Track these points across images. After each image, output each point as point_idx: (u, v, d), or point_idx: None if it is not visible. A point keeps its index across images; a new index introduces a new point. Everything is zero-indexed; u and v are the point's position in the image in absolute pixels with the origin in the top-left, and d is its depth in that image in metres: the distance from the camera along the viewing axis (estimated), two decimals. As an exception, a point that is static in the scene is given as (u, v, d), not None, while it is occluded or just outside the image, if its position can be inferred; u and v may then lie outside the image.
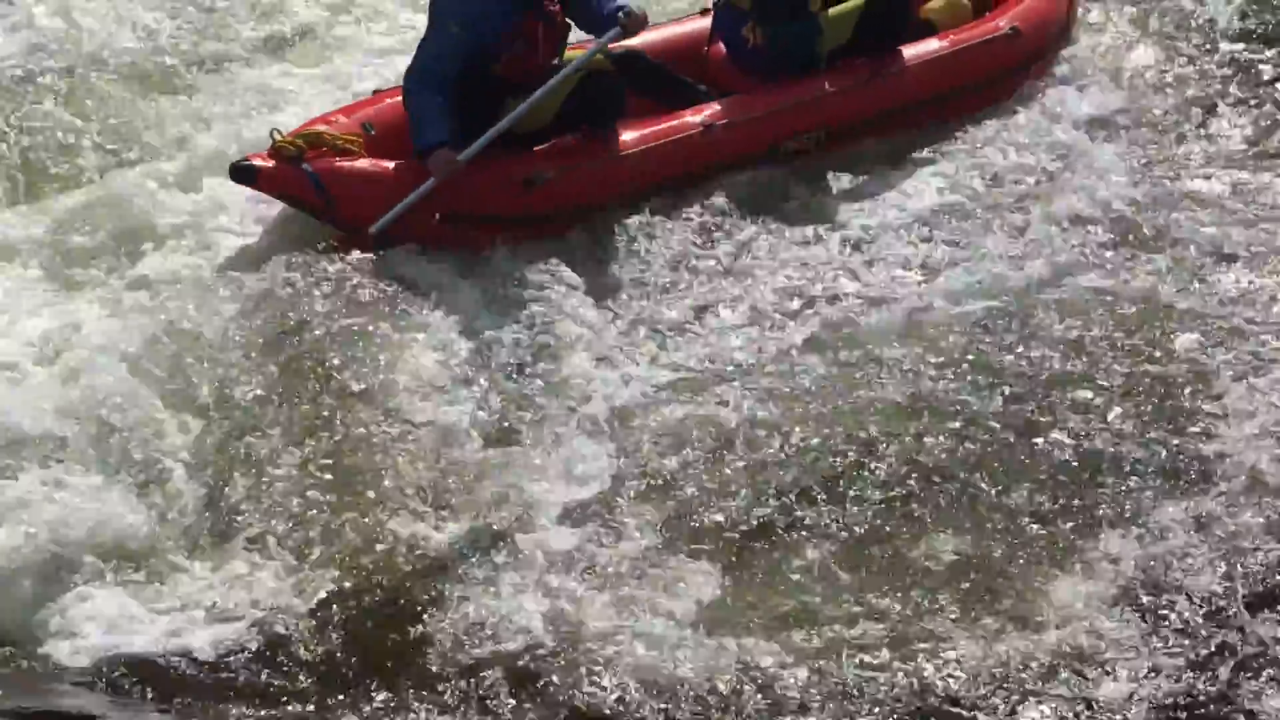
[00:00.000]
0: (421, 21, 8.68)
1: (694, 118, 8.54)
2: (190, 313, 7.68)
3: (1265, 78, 9.71)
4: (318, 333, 7.53)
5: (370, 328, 7.59)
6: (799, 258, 8.29)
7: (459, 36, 8.06)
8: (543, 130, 8.33)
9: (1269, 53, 9.91)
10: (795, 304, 7.96)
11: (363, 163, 8.16)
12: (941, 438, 6.93)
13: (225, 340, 7.52)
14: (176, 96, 9.93)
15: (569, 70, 8.20)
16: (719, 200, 8.54)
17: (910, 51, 9.08)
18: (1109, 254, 8.24)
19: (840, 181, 8.82)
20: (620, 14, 8.20)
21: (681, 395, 7.38)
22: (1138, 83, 9.74)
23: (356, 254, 7.99)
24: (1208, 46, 10.01)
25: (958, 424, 7.00)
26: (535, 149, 8.32)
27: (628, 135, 8.43)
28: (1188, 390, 7.17)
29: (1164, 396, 7.15)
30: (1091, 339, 7.53)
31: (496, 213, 8.11)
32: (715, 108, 8.62)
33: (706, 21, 9.37)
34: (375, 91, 8.97)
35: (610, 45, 8.45)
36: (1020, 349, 7.50)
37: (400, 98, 8.34)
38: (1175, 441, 6.88)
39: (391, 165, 8.19)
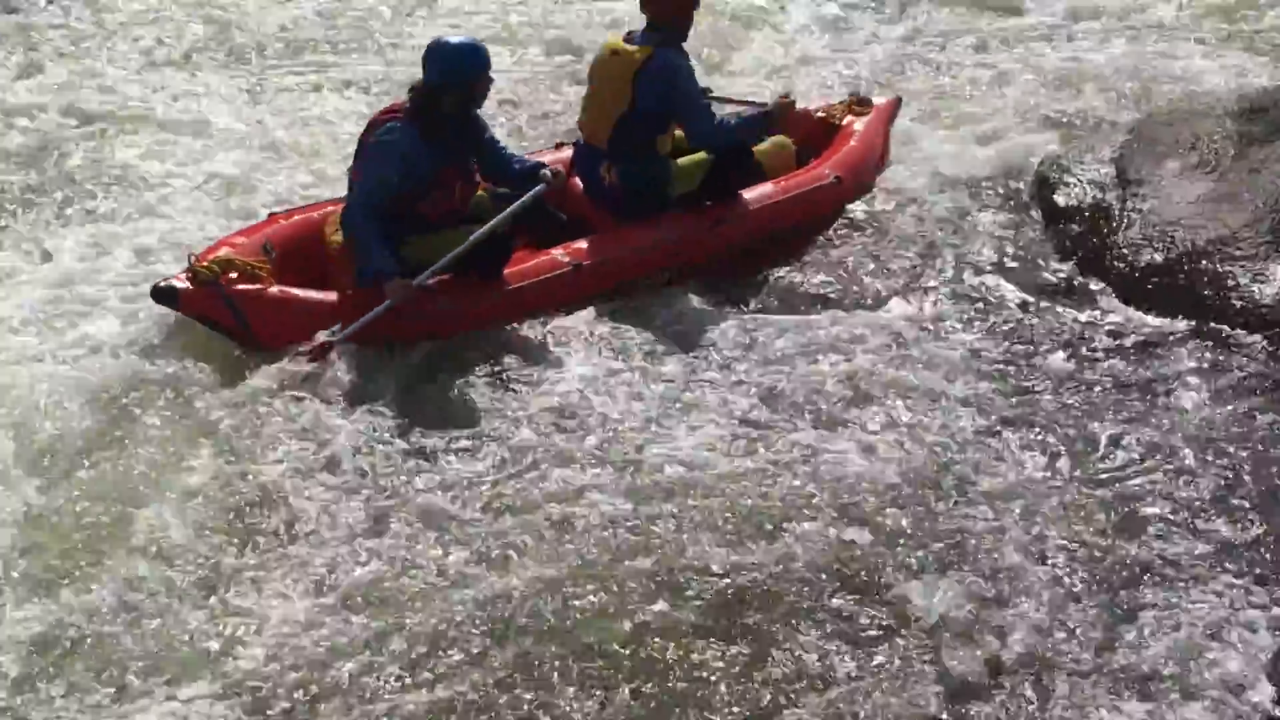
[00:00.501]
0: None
1: (562, 257, 9.23)
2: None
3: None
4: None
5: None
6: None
7: (392, 181, 8.72)
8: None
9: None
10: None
11: (275, 289, 8.68)
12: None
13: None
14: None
15: (505, 216, 8.94)
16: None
17: (749, 195, 9.89)
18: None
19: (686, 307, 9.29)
20: (546, 171, 9.15)
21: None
22: (935, 219, 10.29)
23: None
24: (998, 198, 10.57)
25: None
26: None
27: (507, 273, 9.14)
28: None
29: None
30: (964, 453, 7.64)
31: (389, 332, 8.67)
32: (580, 246, 9.31)
33: (566, 153, 10.07)
34: (270, 214, 9.61)
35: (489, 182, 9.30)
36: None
37: (284, 219, 9.37)
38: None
39: (300, 291, 8.75)
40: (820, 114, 10.85)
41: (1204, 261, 8.91)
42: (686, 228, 9.65)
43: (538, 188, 9.05)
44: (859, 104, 10.89)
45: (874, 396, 8.01)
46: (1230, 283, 8.73)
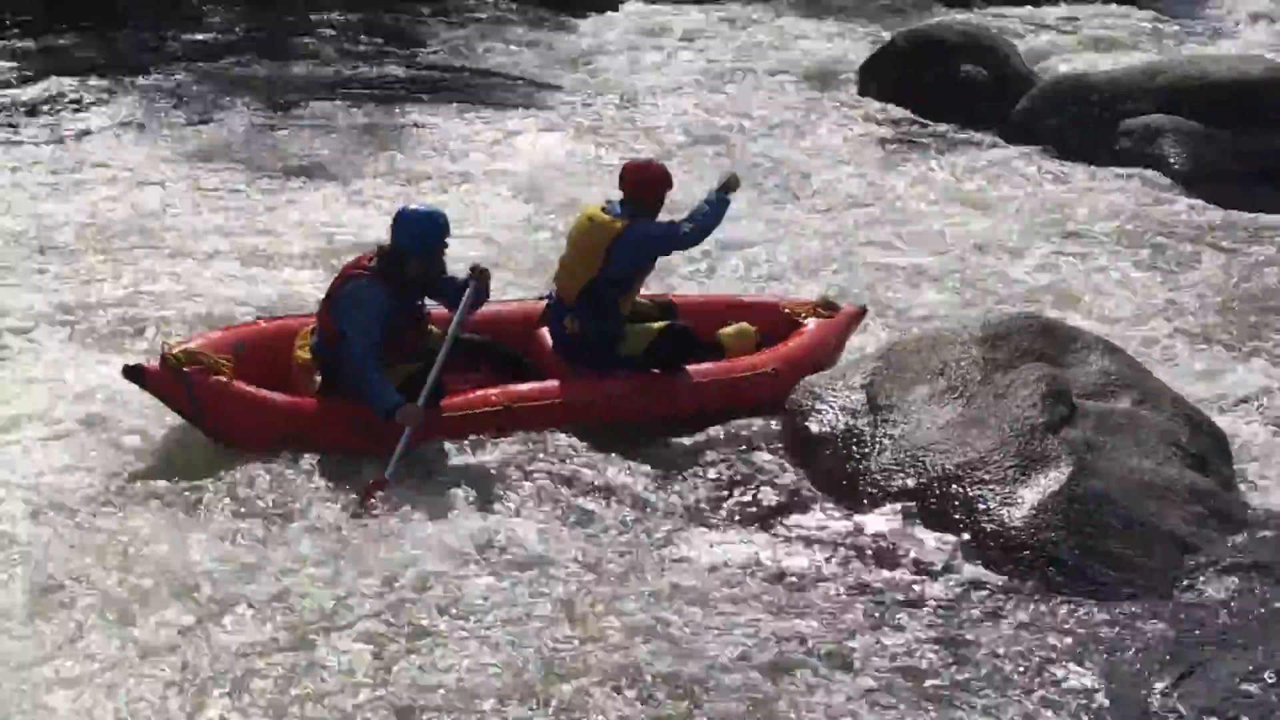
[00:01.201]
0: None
1: (494, 396, 10.24)
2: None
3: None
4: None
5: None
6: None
7: (377, 334, 9.76)
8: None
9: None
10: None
11: (235, 385, 9.74)
12: None
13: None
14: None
15: (455, 324, 10.04)
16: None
17: (692, 369, 10.74)
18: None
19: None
20: (470, 277, 10.19)
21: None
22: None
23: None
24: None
25: None
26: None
27: (456, 401, 10.14)
28: None
29: None
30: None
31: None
32: (515, 389, 10.31)
33: (541, 305, 11.15)
34: (256, 319, 10.95)
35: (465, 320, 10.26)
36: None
37: (269, 326, 10.59)
38: None
39: (257, 391, 9.82)
40: (787, 310, 11.60)
41: (954, 486, 9.03)
42: (624, 389, 10.53)
43: (469, 291, 10.12)
44: (824, 307, 11.62)
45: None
46: (981, 507, 8.85)
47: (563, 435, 10.01)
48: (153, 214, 14.43)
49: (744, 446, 10.17)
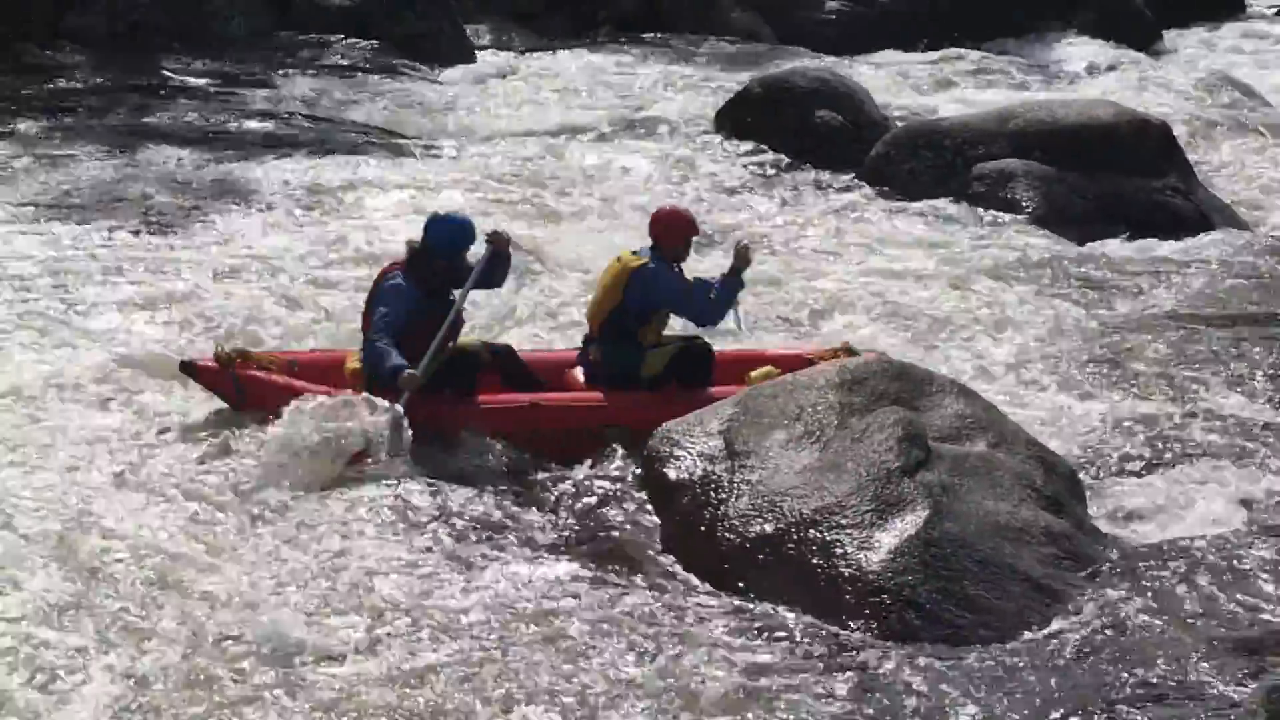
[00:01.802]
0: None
1: (532, 402, 11.11)
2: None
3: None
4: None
5: None
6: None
7: (401, 321, 10.72)
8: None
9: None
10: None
11: (275, 376, 10.97)
12: None
13: None
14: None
15: (471, 281, 11.10)
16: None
17: (716, 390, 11.20)
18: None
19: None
20: (487, 241, 11.20)
21: None
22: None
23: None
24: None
25: None
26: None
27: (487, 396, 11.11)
28: None
29: None
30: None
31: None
32: (543, 395, 11.23)
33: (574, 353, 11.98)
34: (312, 350, 12.09)
35: (491, 342, 11.67)
36: None
37: (323, 355, 11.67)
38: None
39: (292, 381, 10.90)
40: (810, 357, 11.81)
41: (812, 530, 9.00)
42: (645, 399, 11.27)
43: (485, 253, 11.18)
44: (846, 353, 11.75)
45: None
46: (838, 551, 8.82)
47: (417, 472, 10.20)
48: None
49: (603, 492, 10.14)
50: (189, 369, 11.14)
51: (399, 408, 10.37)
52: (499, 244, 11.24)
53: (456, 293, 11.10)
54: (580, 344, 11.90)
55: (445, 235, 11.01)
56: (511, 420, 10.93)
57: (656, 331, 11.69)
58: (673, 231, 11.64)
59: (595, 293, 11.85)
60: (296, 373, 11.05)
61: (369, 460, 10.09)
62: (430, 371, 10.64)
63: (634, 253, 11.64)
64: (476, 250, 11.25)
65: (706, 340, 11.80)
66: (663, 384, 11.48)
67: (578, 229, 16.24)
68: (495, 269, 11.28)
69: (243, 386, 10.95)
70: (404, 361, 10.47)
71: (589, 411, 11.21)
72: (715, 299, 11.59)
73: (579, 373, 11.70)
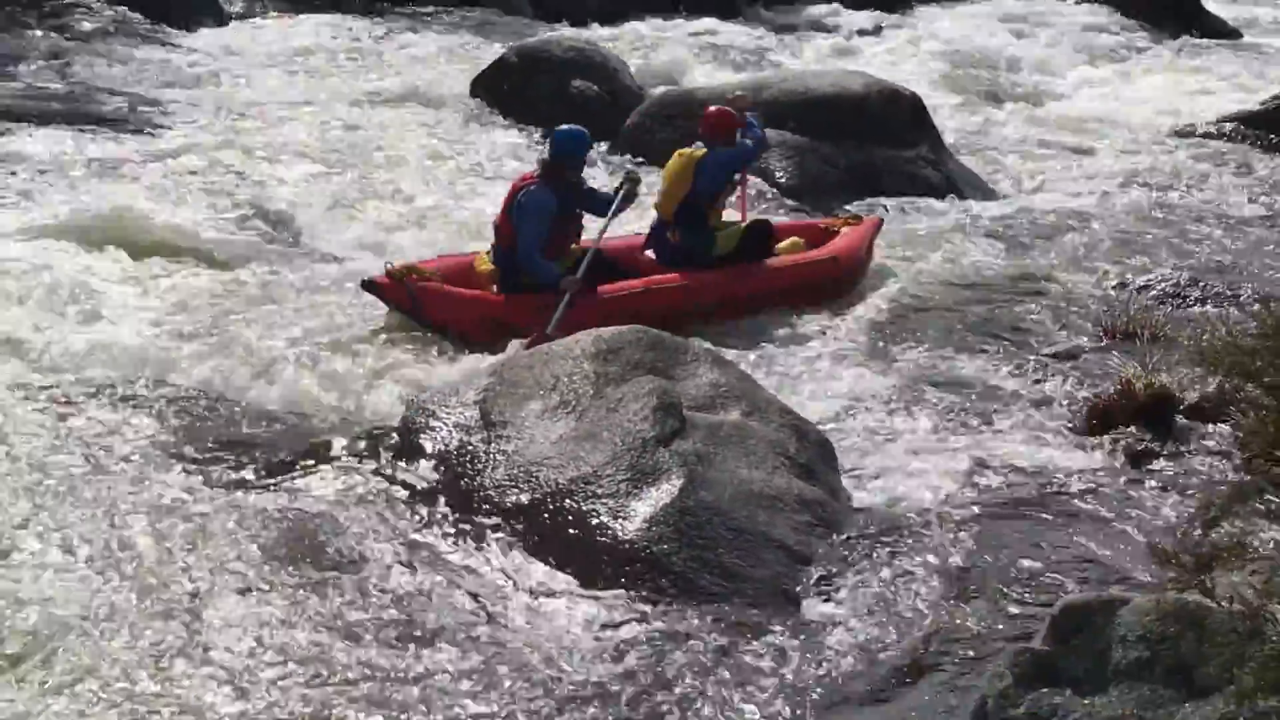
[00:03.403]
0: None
1: (646, 286, 13.21)
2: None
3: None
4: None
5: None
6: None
7: (546, 229, 12.73)
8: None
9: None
10: None
11: (444, 285, 12.79)
12: None
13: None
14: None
15: (606, 222, 13.25)
16: None
17: (774, 262, 13.94)
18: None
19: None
20: (624, 181, 13.43)
21: None
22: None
23: None
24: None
25: None
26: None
27: (609, 291, 12.96)
28: None
29: None
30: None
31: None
32: (663, 282, 13.33)
33: (640, 238, 14.21)
34: (439, 255, 13.92)
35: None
36: None
37: (454, 259, 13.55)
38: None
39: (455, 289, 12.84)
40: (824, 225, 14.94)
41: (568, 500, 9.03)
42: (729, 275, 13.56)
43: (623, 188, 13.29)
44: (852, 219, 15.17)
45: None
46: (594, 520, 8.86)
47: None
48: None
49: (359, 460, 10.02)
50: (371, 287, 12.65)
51: (564, 303, 12.44)
52: (634, 184, 13.39)
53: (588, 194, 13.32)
54: (649, 231, 14.05)
55: (571, 145, 13.04)
56: (633, 305, 12.52)
57: (719, 214, 14.00)
58: (721, 126, 13.95)
59: (663, 185, 13.91)
60: (447, 279, 12.85)
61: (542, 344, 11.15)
62: (585, 271, 12.69)
63: (690, 147, 13.87)
64: (599, 191, 13.62)
65: (765, 219, 14.59)
66: (731, 261, 13.67)
67: (333, 196, 16.13)
68: (629, 199, 13.32)
69: (416, 296, 12.54)
70: (559, 272, 12.68)
71: (693, 290, 13.21)
72: (756, 140, 14.27)
73: (650, 255, 13.93)
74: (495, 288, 13.02)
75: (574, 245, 13.14)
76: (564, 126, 13.30)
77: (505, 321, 12.47)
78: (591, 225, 13.33)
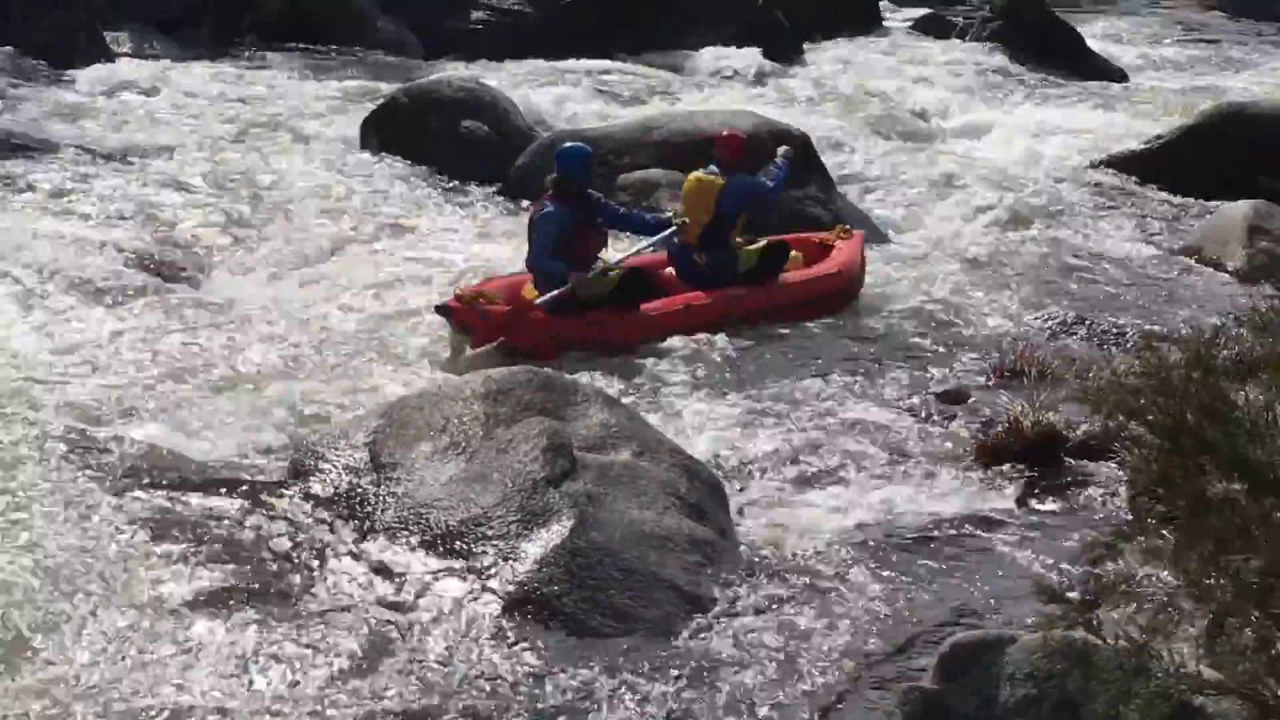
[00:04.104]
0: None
1: (685, 304, 14.11)
2: None
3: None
4: None
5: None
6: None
7: (554, 237, 13.42)
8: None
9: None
10: None
11: (507, 309, 13.25)
12: None
13: None
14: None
15: (646, 244, 14.74)
16: None
17: (789, 278, 14.89)
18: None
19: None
20: (673, 218, 14.73)
21: None
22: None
23: None
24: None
25: None
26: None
27: (650, 308, 13.94)
28: None
29: None
30: None
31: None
32: (699, 299, 14.15)
33: (663, 257, 15.01)
34: (487, 278, 14.53)
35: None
36: None
37: (505, 280, 14.13)
38: None
39: (519, 313, 13.30)
40: (818, 240, 15.78)
41: (459, 542, 9.01)
42: (751, 293, 14.44)
43: (670, 229, 14.64)
44: (844, 232, 15.90)
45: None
46: (485, 562, 8.85)
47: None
48: None
49: (245, 505, 9.90)
50: (444, 311, 13.22)
51: (560, 290, 13.41)
52: (679, 227, 14.56)
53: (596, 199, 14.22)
54: (669, 253, 14.79)
55: (568, 161, 13.89)
56: (676, 321, 13.74)
57: (740, 233, 14.72)
58: (739, 150, 14.83)
59: (685, 210, 14.67)
60: (509, 302, 13.39)
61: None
62: (612, 280, 13.91)
63: (707, 171, 14.68)
64: (611, 203, 14.70)
65: (781, 240, 15.20)
66: (751, 277, 14.53)
67: (222, 236, 16.01)
68: (675, 235, 14.60)
69: (489, 317, 13.01)
70: (564, 269, 13.40)
71: (725, 307, 14.08)
72: (777, 179, 15.05)
73: (670, 272, 14.78)
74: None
75: (599, 254, 13.97)
76: (565, 145, 14.60)
77: (564, 339, 13.30)
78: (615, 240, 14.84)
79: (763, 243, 14.93)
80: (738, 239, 14.73)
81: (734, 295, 14.31)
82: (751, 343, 13.82)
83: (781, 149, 15.63)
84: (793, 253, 15.23)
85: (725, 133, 15.37)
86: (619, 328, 13.58)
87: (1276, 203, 17.46)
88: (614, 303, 13.82)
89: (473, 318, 13.09)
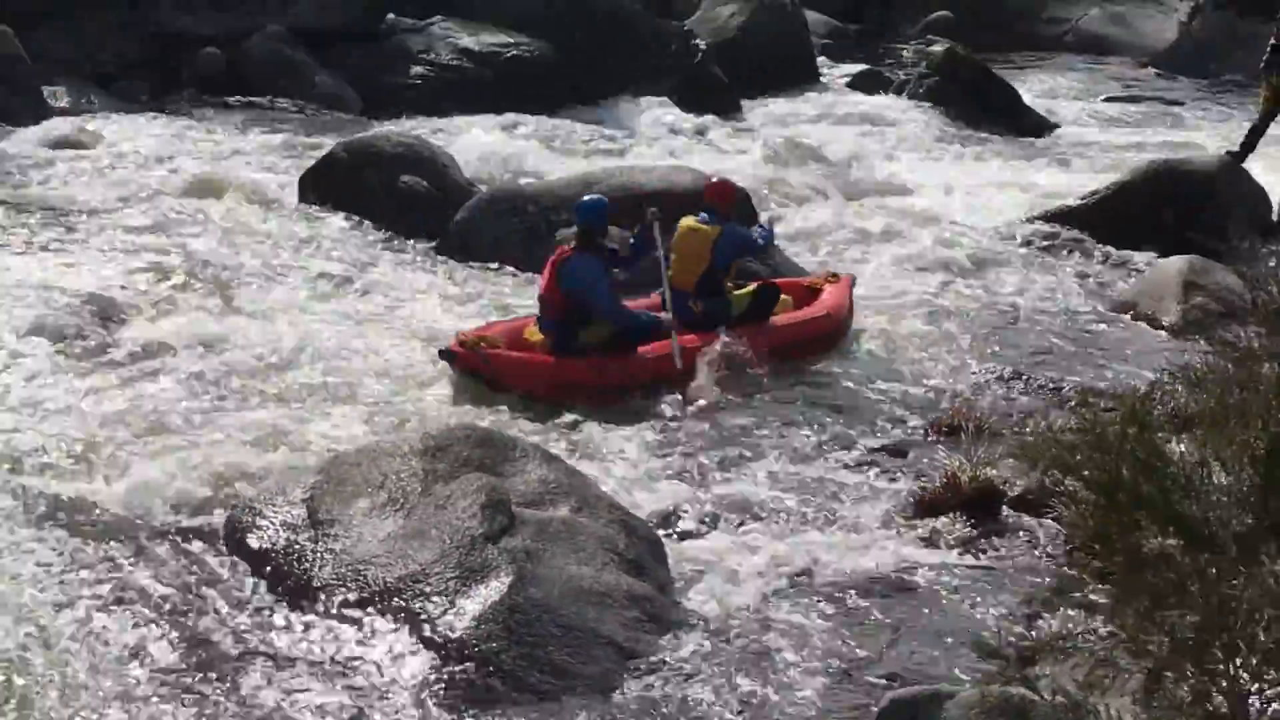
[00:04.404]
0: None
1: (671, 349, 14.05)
2: None
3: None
4: None
5: None
6: None
7: (610, 283, 14.07)
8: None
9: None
10: None
11: (510, 354, 13.69)
12: None
13: None
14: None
15: (652, 252, 14.77)
16: None
17: (778, 320, 15.13)
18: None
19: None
20: (649, 213, 14.88)
21: None
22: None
23: None
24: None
25: None
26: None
27: (647, 351, 14.10)
28: None
29: None
30: None
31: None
32: (690, 343, 14.15)
33: (657, 299, 14.94)
34: (490, 322, 14.89)
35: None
36: None
37: (506, 325, 14.53)
38: None
39: (517, 354, 13.77)
40: (807, 284, 16.22)
41: (396, 599, 9.01)
42: (742, 336, 14.45)
43: (650, 219, 14.75)
44: (832, 277, 16.35)
45: None
46: (423, 619, 8.87)
47: None
48: None
49: (182, 562, 9.86)
50: (448, 355, 13.46)
51: (674, 340, 13.94)
52: (654, 215, 14.80)
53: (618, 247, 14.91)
54: (661, 299, 14.71)
55: (589, 213, 14.26)
56: (686, 358, 13.93)
57: (733, 278, 15.21)
58: (730, 197, 15.48)
59: (679, 261, 14.85)
60: (510, 346, 13.77)
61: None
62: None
63: (699, 220, 15.02)
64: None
65: (771, 282, 15.69)
66: (744, 320, 14.81)
67: (159, 293, 15.91)
68: (648, 229, 14.82)
69: (491, 361, 13.34)
70: (650, 316, 14.36)
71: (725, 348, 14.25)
72: (765, 238, 15.79)
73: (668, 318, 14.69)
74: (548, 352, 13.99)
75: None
76: (585, 198, 14.96)
77: (565, 383, 13.56)
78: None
79: (753, 286, 15.39)
80: (729, 283, 15.10)
81: (736, 338, 14.48)
82: (679, 396, 13.78)
83: (771, 217, 17.03)
84: (783, 297, 15.57)
85: (715, 179, 16.04)
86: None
87: (1209, 258, 17.53)
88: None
89: (477, 362, 13.39)
